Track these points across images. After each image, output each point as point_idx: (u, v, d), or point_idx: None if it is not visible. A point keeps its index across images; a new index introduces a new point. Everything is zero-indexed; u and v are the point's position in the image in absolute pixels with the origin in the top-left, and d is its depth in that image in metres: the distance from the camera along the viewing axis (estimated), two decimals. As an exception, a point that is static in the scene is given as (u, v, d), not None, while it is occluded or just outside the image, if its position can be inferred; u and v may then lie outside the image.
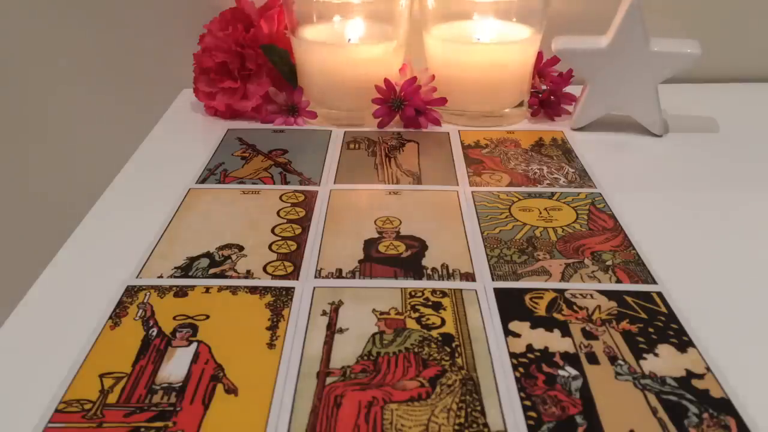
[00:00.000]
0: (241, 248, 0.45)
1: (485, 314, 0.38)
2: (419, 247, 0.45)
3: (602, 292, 0.40)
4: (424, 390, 0.33)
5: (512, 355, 0.35)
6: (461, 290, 0.40)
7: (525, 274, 0.42)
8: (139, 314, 0.38)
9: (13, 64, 0.75)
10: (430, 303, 0.39)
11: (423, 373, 0.34)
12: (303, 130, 0.63)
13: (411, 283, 0.41)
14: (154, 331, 0.37)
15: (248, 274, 0.42)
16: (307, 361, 0.35)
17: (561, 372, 0.34)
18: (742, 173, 0.55)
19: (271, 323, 0.38)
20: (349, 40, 0.62)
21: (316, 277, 0.42)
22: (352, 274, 0.42)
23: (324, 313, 0.38)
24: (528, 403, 0.32)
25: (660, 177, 0.55)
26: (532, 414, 0.32)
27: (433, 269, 0.42)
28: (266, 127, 0.64)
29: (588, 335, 0.37)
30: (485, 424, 0.31)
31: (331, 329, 0.37)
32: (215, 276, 0.42)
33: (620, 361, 0.35)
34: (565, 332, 0.37)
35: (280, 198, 0.51)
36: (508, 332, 0.37)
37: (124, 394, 0.33)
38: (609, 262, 0.43)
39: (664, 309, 0.39)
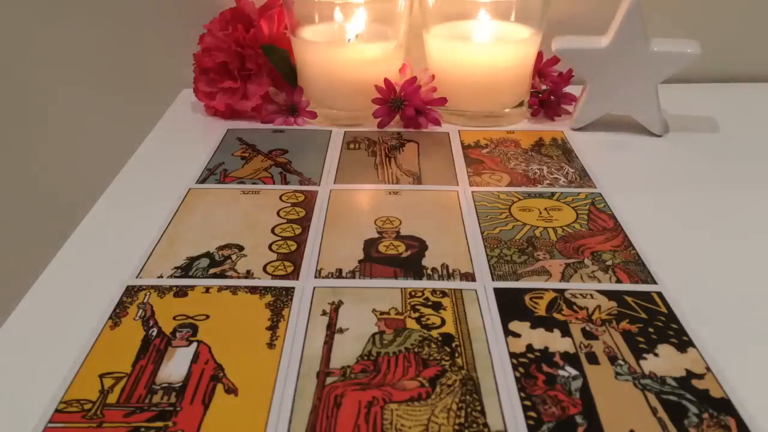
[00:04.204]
0: (241, 248, 0.45)
1: (485, 314, 0.38)
2: (419, 247, 0.45)
3: (602, 292, 0.40)
4: (424, 390, 0.33)
5: (512, 355, 0.35)
6: (461, 290, 0.40)
7: (525, 274, 0.42)
8: (139, 314, 0.38)
9: (13, 64, 0.75)
10: (430, 303, 0.39)
11: (423, 373, 0.34)
12: (303, 130, 0.63)
13: (411, 283, 0.41)
14: (154, 331, 0.37)
15: (248, 274, 0.42)
16: (307, 361, 0.35)
17: (561, 372, 0.34)
18: (742, 173, 0.55)
19: (271, 323, 0.38)
20: (349, 40, 0.62)
21: (316, 277, 0.42)
22: (352, 274, 0.42)
23: (324, 313, 0.38)
24: (528, 403, 0.32)
25: (660, 177, 0.55)
26: (532, 414, 0.32)
27: (433, 269, 0.42)
28: (266, 127, 0.64)
29: (588, 335, 0.37)
30: (485, 424, 0.31)
31: (331, 329, 0.37)
32: (215, 276, 0.42)
33: (620, 361, 0.35)
34: (565, 332, 0.37)
35: (280, 198, 0.51)
36: (508, 332, 0.37)
37: (124, 394, 0.33)
38: (609, 262, 0.43)
39: (664, 309, 0.39)
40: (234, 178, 0.54)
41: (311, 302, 0.39)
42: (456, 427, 0.31)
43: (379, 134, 0.62)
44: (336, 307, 0.39)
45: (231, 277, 0.42)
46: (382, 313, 0.38)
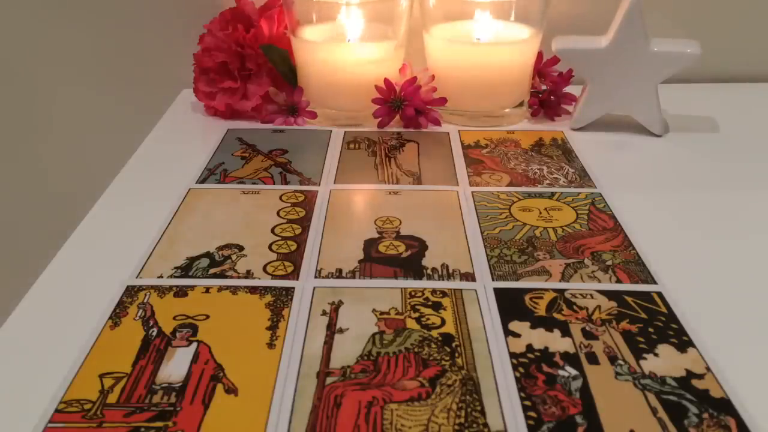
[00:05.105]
0: (241, 248, 0.45)
1: (485, 314, 0.38)
2: (419, 247, 0.45)
3: (602, 292, 0.40)
4: (424, 390, 0.33)
5: (512, 355, 0.35)
6: (461, 290, 0.40)
7: (525, 274, 0.42)
8: (139, 314, 0.38)
9: (12, 64, 0.75)
10: (430, 303, 0.39)
11: (423, 373, 0.34)
12: (303, 130, 0.63)
13: (411, 283, 0.41)
14: (154, 331, 0.37)
15: (248, 274, 0.42)
16: (307, 361, 0.35)
17: (561, 372, 0.34)
18: (742, 173, 0.55)
19: (271, 323, 0.38)
20: (349, 40, 0.62)
21: (316, 277, 0.42)
22: (352, 274, 0.42)
23: (324, 313, 0.38)
24: (528, 403, 0.32)
25: (660, 177, 0.55)
26: (532, 414, 0.32)
27: (433, 269, 0.42)
28: (266, 127, 0.64)
29: (588, 335, 0.37)
30: (485, 424, 0.31)
31: (331, 329, 0.37)
32: (215, 276, 0.42)
33: (620, 361, 0.35)
34: (565, 332, 0.37)
35: (280, 198, 0.51)
36: (508, 332, 0.37)
37: (124, 394, 0.33)
38: (609, 262, 0.43)
39: (664, 309, 0.39)
40: (234, 178, 0.54)
41: (311, 302, 0.39)
42: (456, 427, 0.31)
43: (379, 134, 0.62)
44: (336, 307, 0.39)
45: (231, 277, 0.42)
46: (382, 313, 0.38)
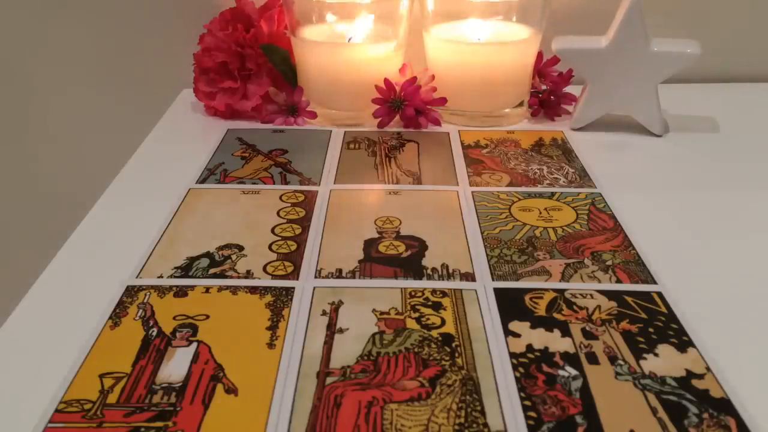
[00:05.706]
0: (241, 248, 0.45)
1: (485, 314, 0.38)
2: (419, 247, 0.45)
3: (602, 292, 0.40)
4: (424, 390, 0.33)
5: (512, 355, 0.35)
6: (461, 290, 0.40)
7: (525, 274, 0.42)
8: (139, 314, 0.38)
9: (13, 64, 0.75)
10: (430, 303, 0.39)
11: (423, 373, 0.34)
12: (303, 130, 0.63)
13: (411, 283, 0.41)
14: (154, 331, 0.37)
15: (248, 274, 0.42)
16: (307, 361, 0.35)
17: (561, 372, 0.34)
18: (742, 173, 0.55)
19: (271, 323, 0.38)
20: (349, 40, 0.62)
21: (316, 277, 0.42)
22: (352, 274, 0.42)
23: (324, 313, 0.38)
24: (528, 403, 0.32)
25: (660, 177, 0.55)
26: (532, 414, 0.32)
27: (433, 269, 0.42)
28: (266, 127, 0.64)
29: (588, 335, 0.37)
30: (485, 424, 0.31)
31: (331, 329, 0.37)
32: (215, 276, 0.42)
33: (620, 361, 0.35)
34: (565, 332, 0.37)
35: (280, 198, 0.51)
36: (508, 332, 0.37)
37: (124, 394, 0.33)
38: (609, 262, 0.43)
39: (664, 309, 0.39)
40: (234, 178, 0.54)
41: (311, 302, 0.39)
42: (456, 427, 0.31)
43: (379, 134, 0.62)
44: (336, 307, 0.39)
45: (231, 277, 0.42)
46: (382, 313, 0.38)
